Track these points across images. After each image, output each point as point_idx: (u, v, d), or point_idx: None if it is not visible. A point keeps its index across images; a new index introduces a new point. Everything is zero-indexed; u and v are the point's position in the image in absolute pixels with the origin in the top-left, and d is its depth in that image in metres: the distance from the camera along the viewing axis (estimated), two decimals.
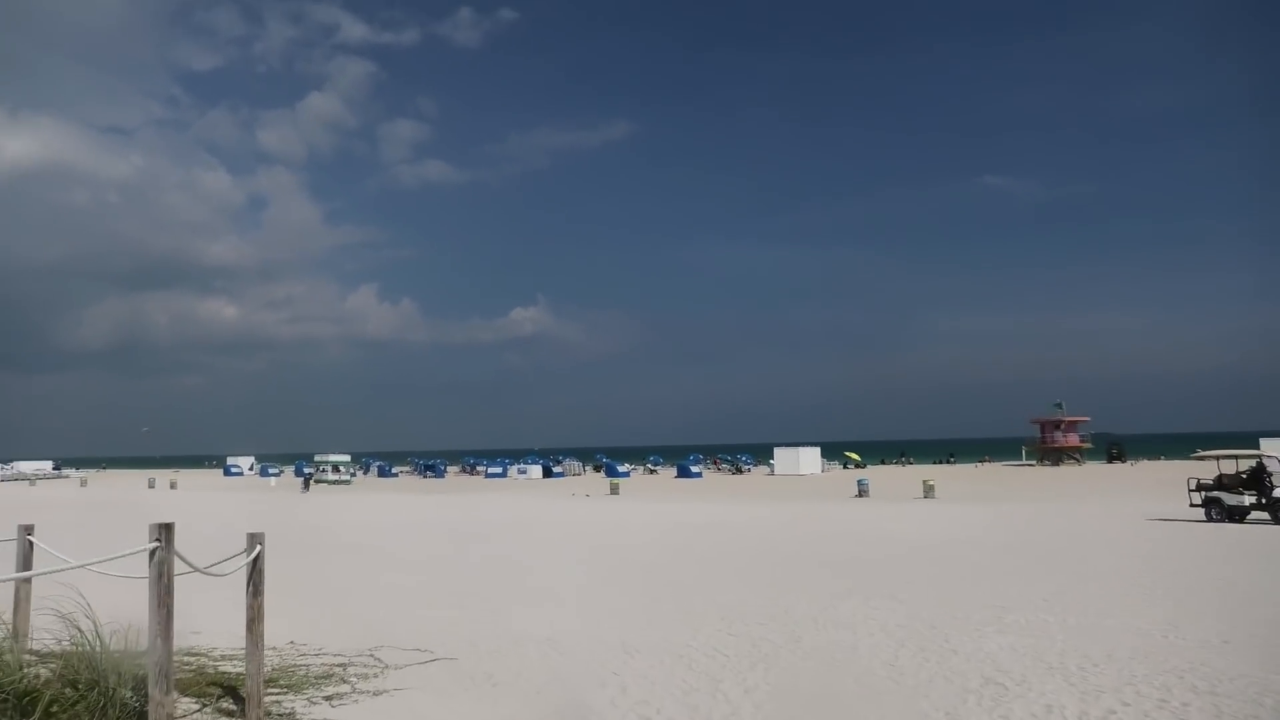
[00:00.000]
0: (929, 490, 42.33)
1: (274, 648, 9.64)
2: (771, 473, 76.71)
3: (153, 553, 4.93)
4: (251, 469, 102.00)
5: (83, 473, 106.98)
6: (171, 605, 4.99)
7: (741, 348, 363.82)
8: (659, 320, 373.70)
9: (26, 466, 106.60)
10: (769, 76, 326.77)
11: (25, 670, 6.70)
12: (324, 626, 11.14)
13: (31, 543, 7.82)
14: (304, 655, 9.27)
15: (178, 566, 5.20)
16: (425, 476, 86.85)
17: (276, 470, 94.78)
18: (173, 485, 72.46)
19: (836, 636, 10.44)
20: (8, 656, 7.28)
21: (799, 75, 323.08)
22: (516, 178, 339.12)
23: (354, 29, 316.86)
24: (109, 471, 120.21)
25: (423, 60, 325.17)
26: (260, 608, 6.69)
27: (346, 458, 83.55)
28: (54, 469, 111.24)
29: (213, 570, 6.10)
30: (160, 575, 4.92)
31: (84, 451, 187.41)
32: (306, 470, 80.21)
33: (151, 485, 72.38)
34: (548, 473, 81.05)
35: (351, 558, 19.75)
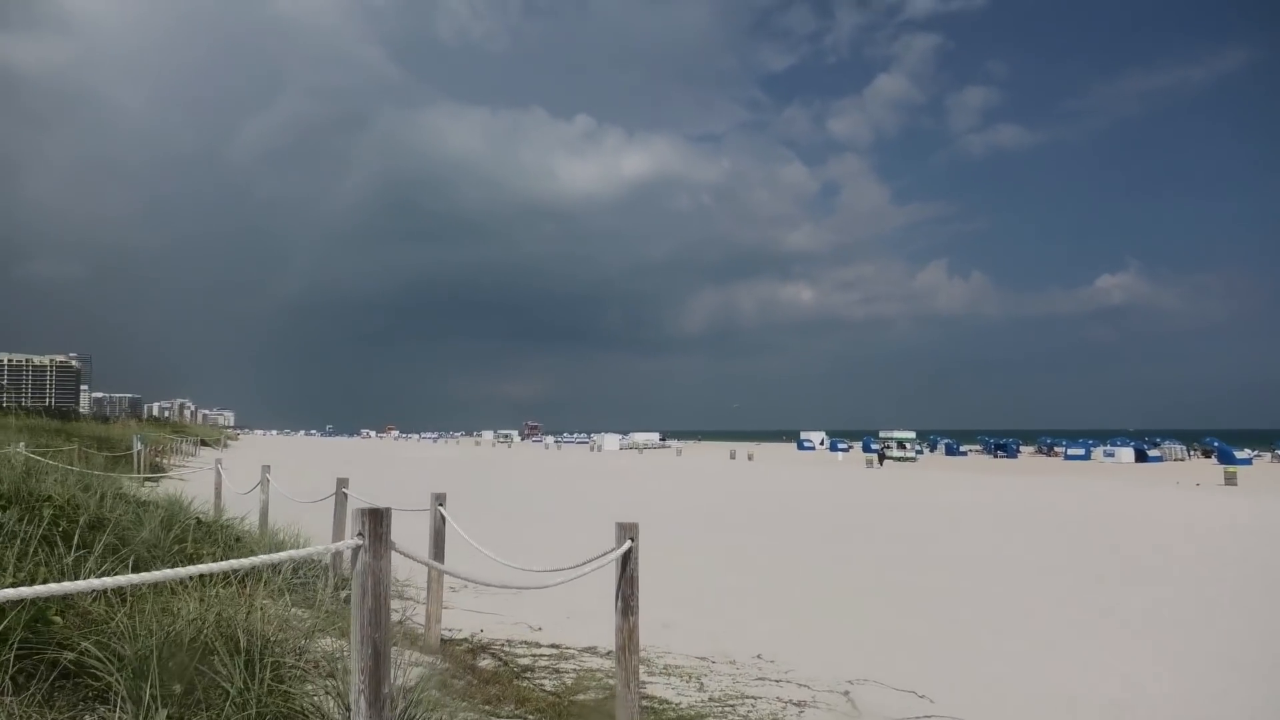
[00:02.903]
0: None
1: (733, 661, 7.74)
2: None
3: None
4: (822, 444, 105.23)
5: (680, 443, 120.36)
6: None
7: None
8: None
9: (640, 437, 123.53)
10: None
11: None
12: (810, 638, 8.97)
13: (443, 515, 6.80)
14: (762, 679, 7.17)
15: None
16: (996, 456, 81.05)
17: (845, 445, 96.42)
18: (750, 457, 77.12)
19: None
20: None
21: None
22: (1100, 131, 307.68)
23: (920, 3, 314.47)
24: (703, 443, 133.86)
25: (992, 21, 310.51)
26: (632, 630, 4.67)
27: (912, 434, 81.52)
28: (660, 440, 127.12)
29: (542, 580, 4.20)
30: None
31: (684, 425, 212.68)
32: (874, 446, 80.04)
33: (732, 456, 77.90)
34: (1141, 456, 70.09)
35: (888, 546, 17.41)
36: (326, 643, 5.67)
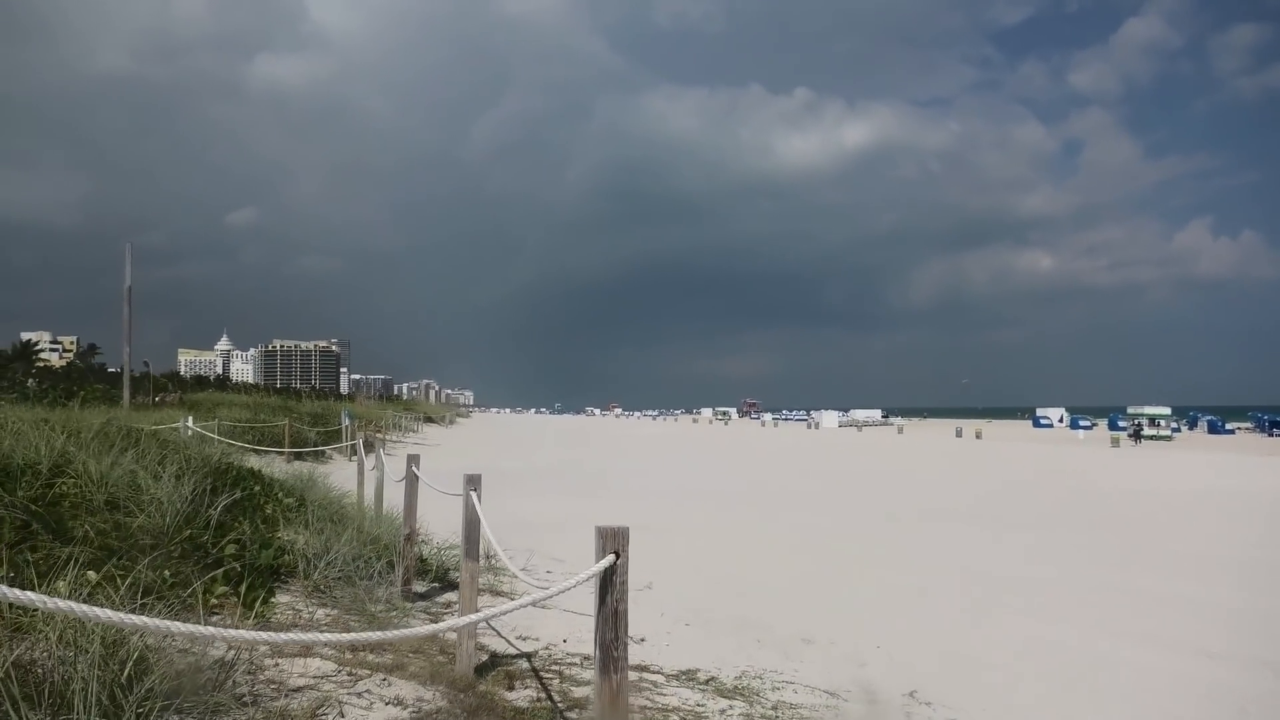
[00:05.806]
0: None
1: (874, 701, 5.93)
2: None
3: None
4: (1061, 421, 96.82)
5: (902, 421, 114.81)
6: None
7: None
8: None
9: (860, 414, 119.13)
10: None
11: None
12: (991, 672, 6.97)
13: (476, 505, 5.45)
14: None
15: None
16: (1270, 435, 71.17)
17: (1088, 423, 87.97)
18: (978, 435, 71.84)
19: None
20: None
21: None
22: None
23: None
24: (929, 420, 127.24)
25: None
26: (615, 693, 3.07)
27: (1166, 410, 72.88)
28: (883, 417, 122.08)
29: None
30: None
31: (909, 401, 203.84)
32: (1121, 424, 72.51)
33: (958, 435, 72.94)
34: None
35: (1116, 541, 14.58)
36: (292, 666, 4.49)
